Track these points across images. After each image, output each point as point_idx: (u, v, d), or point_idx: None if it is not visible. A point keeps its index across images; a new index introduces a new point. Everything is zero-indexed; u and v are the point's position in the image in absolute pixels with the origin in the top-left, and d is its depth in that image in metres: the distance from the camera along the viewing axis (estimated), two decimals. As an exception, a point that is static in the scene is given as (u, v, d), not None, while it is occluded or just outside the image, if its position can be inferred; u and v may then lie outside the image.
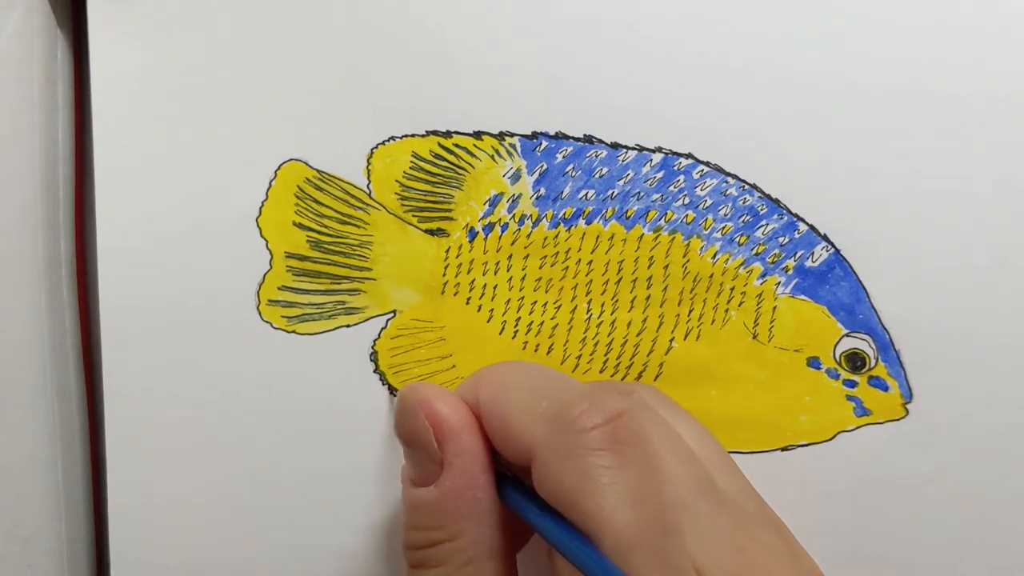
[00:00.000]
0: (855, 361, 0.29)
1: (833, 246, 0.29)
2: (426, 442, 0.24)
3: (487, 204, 0.30)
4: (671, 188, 0.29)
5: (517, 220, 0.30)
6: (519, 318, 0.30)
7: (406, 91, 0.30)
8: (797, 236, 0.29)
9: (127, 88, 0.30)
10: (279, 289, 0.30)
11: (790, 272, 0.29)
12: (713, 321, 0.29)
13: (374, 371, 0.30)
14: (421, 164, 0.30)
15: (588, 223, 0.29)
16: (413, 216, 0.30)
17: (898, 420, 0.29)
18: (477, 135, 0.30)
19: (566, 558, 0.21)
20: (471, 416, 0.24)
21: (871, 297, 0.29)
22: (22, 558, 0.31)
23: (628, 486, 0.21)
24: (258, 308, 0.30)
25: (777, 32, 0.29)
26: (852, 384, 0.29)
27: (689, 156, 0.29)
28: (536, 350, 0.30)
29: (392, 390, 0.30)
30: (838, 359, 0.29)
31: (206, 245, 0.30)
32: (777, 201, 0.29)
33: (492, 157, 0.30)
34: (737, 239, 0.29)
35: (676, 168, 0.29)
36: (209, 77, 0.30)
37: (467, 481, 0.23)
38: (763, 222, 0.29)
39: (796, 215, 0.29)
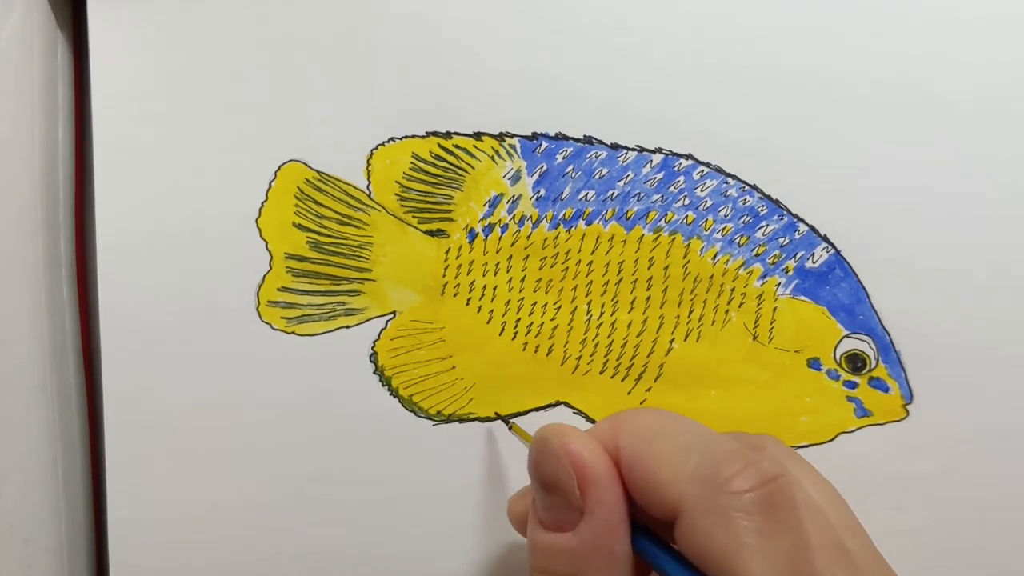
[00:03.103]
0: (855, 362, 0.29)
1: (833, 247, 0.29)
2: (567, 488, 0.24)
3: (487, 205, 0.30)
4: (671, 189, 0.29)
5: (517, 221, 0.30)
6: (519, 319, 0.30)
7: (406, 92, 0.30)
8: (797, 237, 0.29)
9: (127, 88, 0.30)
10: (279, 290, 0.30)
11: (790, 273, 0.29)
12: (713, 322, 0.29)
13: (374, 372, 0.30)
14: (421, 165, 0.30)
15: (588, 224, 0.29)
16: (413, 217, 0.30)
17: (898, 421, 0.29)
18: (477, 136, 0.29)
19: None
20: (612, 465, 0.24)
21: (871, 298, 0.29)
22: (22, 558, 0.31)
23: (779, 554, 0.21)
24: (258, 309, 0.30)
25: (777, 34, 0.29)
26: (852, 385, 0.29)
27: (689, 157, 0.29)
28: (536, 351, 0.30)
29: (394, 395, 0.30)
30: (838, 360, 0.29)
31: (206, 246, 0.30)
32: (777, 202, 0.29)
33: (492, 158, 0.30)
34: (737, 240, 0.29)
35: (676, 169, 0.29)
36: (209, 78, 0.30)
37: (606, 533, 0.23)
38: (763, 223, 0.29)
39: (796, 216, 0.29)
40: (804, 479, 0.24)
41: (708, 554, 0.21)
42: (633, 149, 0.29)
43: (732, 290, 0.29)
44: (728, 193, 0.29)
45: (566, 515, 0.24)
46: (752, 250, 0.29)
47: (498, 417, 0.30)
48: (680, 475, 0.23)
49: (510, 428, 0.29)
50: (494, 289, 0.30)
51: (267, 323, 0.30)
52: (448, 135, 0.30)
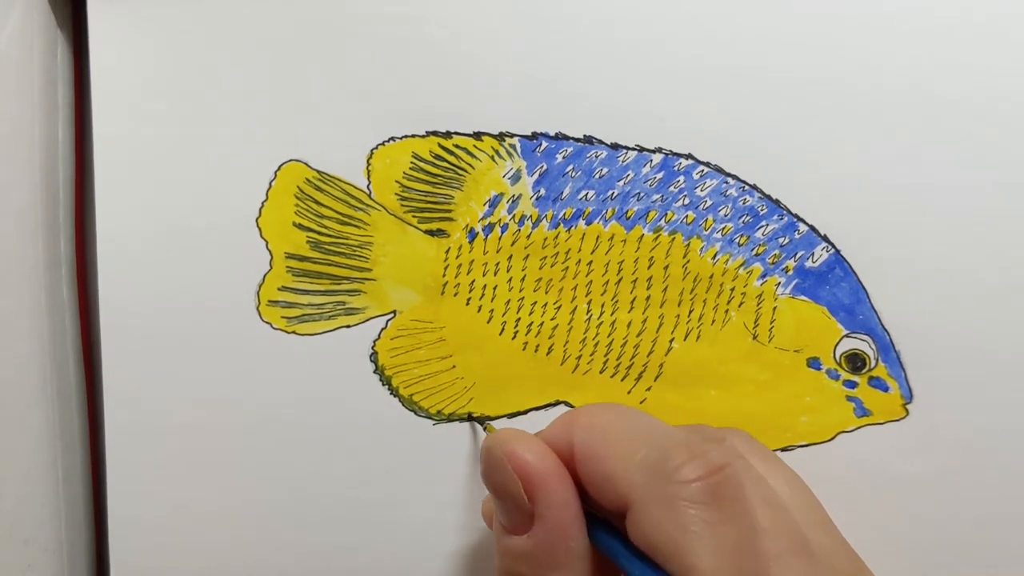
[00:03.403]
0: (855, 362, 0.29)
1: (833, 246, 0.29)
2: (515, 494, 0.24)
3: (487, 205, 0.30)
4: (671, 189, 0.29)
5: (517, 221, 0.30)
6: (519, 319, 0.30)
7: (406, 92, 0.30)
8: (797, 236, 0.29)
9: (127, 88, 0.30)
10: (279, 290, 0.30)
11: (790, 273, 0.29)
12: (713, 322, 0.29)
13: (374, 371, 0.30)
14: (421, 165, 0.30)
15: (588, 224, 0.29)
16: (413, 217, 0.30)
17: (898, 420, 0.29)
18: (477, 136, 0.30)
19: None
20: (559, 464, 0.24)
21: (871, 297, 0.29)
22: (22, 558, 0.31)
23: (726, 541, 0.21)
24: (258, 309, 0.30)
25: (777, 34, 0.29)
26: (852, 385, 0.29)
27: (689, 156, 0.29)
28: (536, 351, 0.30)
29: (394, 394, 0.30)
30: (838, 360, 0.29)
31: (206, 246, 0.30)
32: (777, 202, 0.29)
33: (492, 158, 0.30)
34: (737, 239, 0.29)
35: (676, 169, 0.29)
36: (209, 77, 0.30)
37: (559, 532, 0.23)
38: (763, 223, 0.29)
39: (796, 215, 0.29)
40: (768, 473, 0.24)
41: (656, 543, 0.21)
42: (633, 149, 0.29)
43: (732, 290, 0.29)
44: (728, 193, 0.29)
45: (519, 519, 0.24)
46: (752, 250, 0.29)
47: (471, 419, 0.30)
48: (629, 466, 0.23)
49: (485, 429, 0.29)
50: (494, 289, 0.30)
51: (267, 323, 0.30)
52: (448, 135, 0.30)
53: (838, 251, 0.29)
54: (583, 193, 0.29)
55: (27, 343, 0.31)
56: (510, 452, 0.24)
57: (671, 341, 0.29)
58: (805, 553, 0.22)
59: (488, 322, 0.30)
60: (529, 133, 0.29)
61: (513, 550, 0.24)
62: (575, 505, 0.24)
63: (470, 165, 0.30)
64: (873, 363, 0.29)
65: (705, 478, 0.22)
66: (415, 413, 0.30)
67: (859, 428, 0.29)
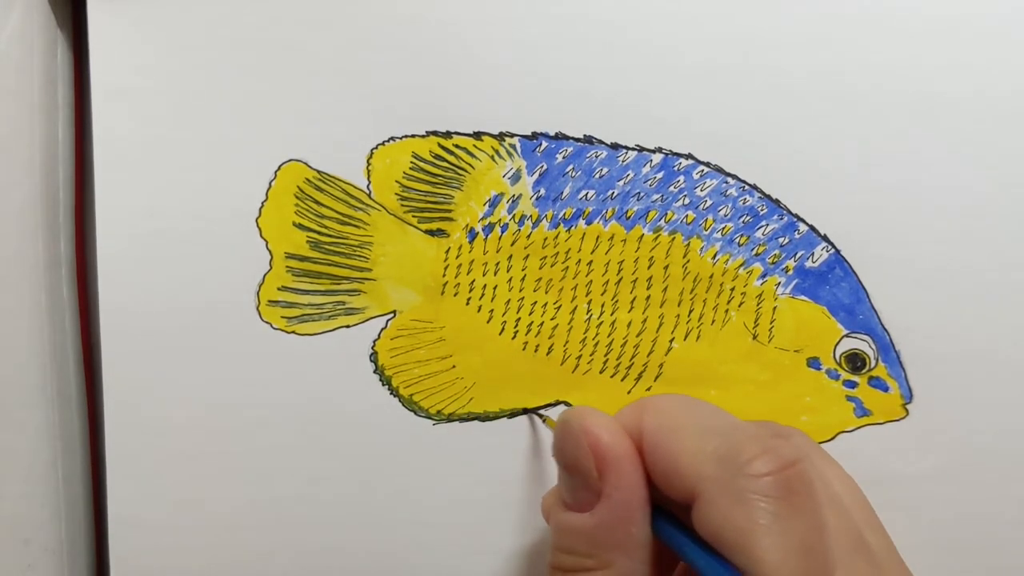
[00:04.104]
0: (855, 361, 0.29)
1: (833, 246, 0.29)
2: (586, 470, 0.24)
3: (487, 205, 0.30)
4: (671, 188, 0.29)
5: (517, 221, 0.30)
6: (519, 319, 0.30)
7: (406, 91, 0.30)
8: (797, 236, 0.29)
9: (127, 88, 0.30)
10: (279, 290, 0.30)
11: (790, 272, 0.29)
12: (713, 322, 0.29)
13: (374, 371, 0.30)
14: (421, 165, 0.30)
15: (588, 223, 0.29)
16: (413, 217, 0.30)
17: (898, 420, 0.29)
18: (477, 135, 0.30)
19: None
20: (633, 447, 0.24)
21: (871, 297, 0.29)
22: (22, 558, 0.31)
23: (794, 537, 0.21)
24: (258, 308, 0.30)
25: (777, 33, 0.29)
26: (852, 384, 0.29)
27: (689, 156, 0.29)
28: (536, 351, 0.30)
29: (394, 394, 0.30)
30: (838, 359, 0.29)
31: (206, 245, 0.30)
32: (777, 201, 0.29)
33: (492, 157, 0.30)
34: (737, 239, 0.29)
35: (676, 168, 0.29)
36: (209, 77, 0.30)
37: (624, 514, 0.23)
38: (763, 222, 0.29)
39: (796, 215, 0.29)
40: (827, 472, 0.24)
41: (724, 535, 0.21)
42: (633, 149, 0.29)
43: (732, 289, 0.29)
44: (728, 193, 0.29)
45: (585, 496, 0.24)
46: (752, 250, 0.29)
47: (529, 412, 0.30)
48: (700, 458, 0.23)
49: (543, 420, 0.29)
50: (494, 289, 0.30)
51: (267, 323, 0.30)
52: (448, 135, 0.30)
53: (838, 251, 0.29)
54: (583, 193, 0.29)
55: (27, 343, 0.31)
56: (587, 427, 0.24)
57: (671, 341, 0.29)
58: (866, 553, 0.22)
59: (488, 322, 0.30)
60: (529, 133, 0.29)
61: (573, 527, 0.24)
62: (643, 490, 0.24)
63: (470, 165, 0.30)
64: (873, 363, 0.29)
65: (776, 473, 0.22)
66: (415, 413, 0.30)
67: (859, 428, 0.29)
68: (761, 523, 0.21)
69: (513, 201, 0.30)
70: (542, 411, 0.30)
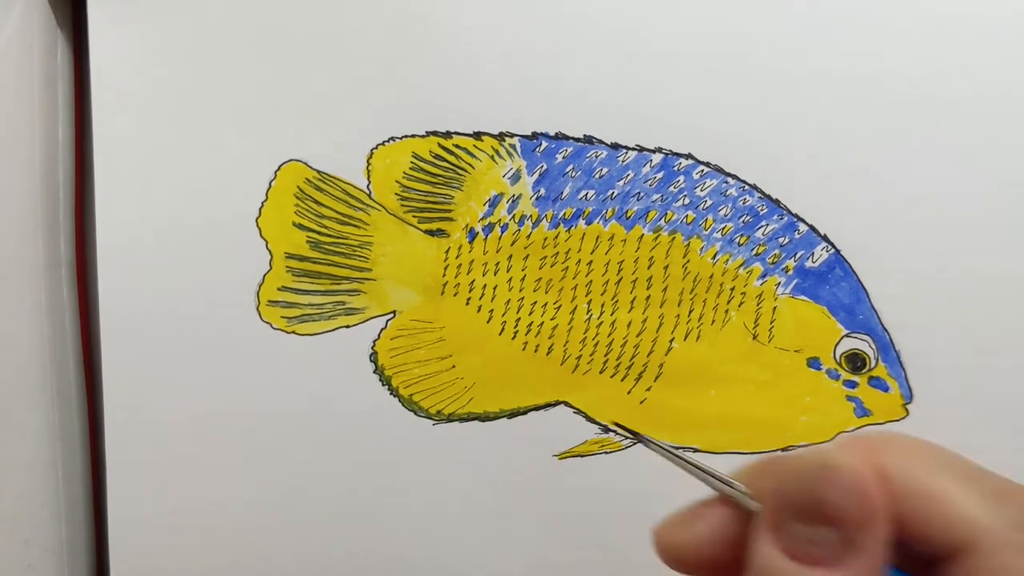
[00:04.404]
0: (855, 361, 0.29)
1: (833, 246, 0.29)
2: (850, 524, 0.23)
3: (487, 205, 0.30)
4: (671, 188, 0.29)
5: (517, 221, 0.30)
6: (519, 318, 0.30)
7: (406, 92, 0.30)
8: (797, 236, 0.29)
9: (127, 88, 0.30)
10: (279, 290, 0.30)
11: (790, 272, 0.29)
12: (713, 321, 0.29)
13: (374, 371, 0.30)
14: (421, 165, 0.30)
15: (588, 223, 0.29)
16: (413, 217, 0.30)
17: (898, 420, 0.29)
18: (477, 135, 0.29)
19: None
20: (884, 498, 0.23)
21: (871, 298, 0.29)
22: (22, 558, 0.31)
23: None
24: (258, 309, 0.30)
25: (777, 34, 0.29)
26: (852, 384, 0.29)
27: (689, 156, 0.29)
28: (536, 351, 0.30)
29: (394, 394, 0.30)
30: (838, 359, 0.29)
31: (206, 245, 0.30)
32: (777, 201, 0.29)
33: (492, 158, 0.30)
34: (737, 239, 0.29)
35: (676, 168, 0.29)
36: (209, 77, 0.30)
37: (875, 567, 0.22)
38: (763, 222, 0.29)
39: (796, 215, 0.29)
40: None
41: None
42: (633, 149, 0.29)
43: (732, 289, 0.29)
44: (728, 193, 0.29)
45: (832, 551, 0.23)
46: (752, 250, 0.29)
47: (639, 438, 0.26)
48: (968, 506, 0.22)
49: (647, 444, 0.26)
50: (494, 289, 0.30)
51: (267, 323, 0.30)
52: (448, 135, 0.30)
53: (838, 251, 0.29)
54: (583, 193, 0.29)
55: (27, 343, 0.31)
56: (859, 480, 0.23)
57: (671, 341, 0.29)
58: None
59: (488, 322, 0.30)
60: (529, 133, 0.29)
61: None
62: (887, 544, 0.23)
63: (470, 165, 0.30)
64: (873, 363, 0.29)
65: None
66: (415, 413, 0.30)
67: (859, 428, 0.29)
68: None
69: (513, 201, 0.30)
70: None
